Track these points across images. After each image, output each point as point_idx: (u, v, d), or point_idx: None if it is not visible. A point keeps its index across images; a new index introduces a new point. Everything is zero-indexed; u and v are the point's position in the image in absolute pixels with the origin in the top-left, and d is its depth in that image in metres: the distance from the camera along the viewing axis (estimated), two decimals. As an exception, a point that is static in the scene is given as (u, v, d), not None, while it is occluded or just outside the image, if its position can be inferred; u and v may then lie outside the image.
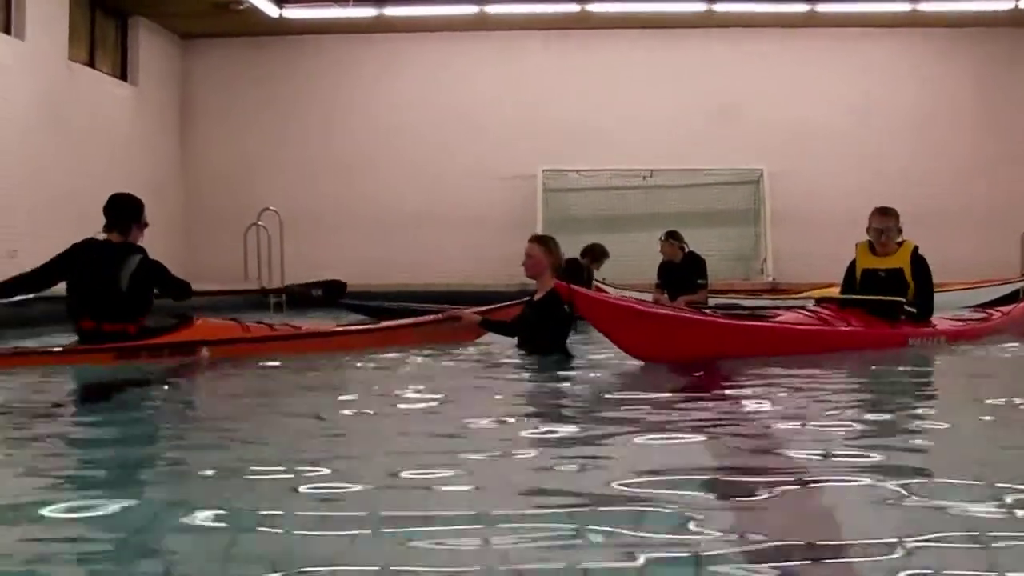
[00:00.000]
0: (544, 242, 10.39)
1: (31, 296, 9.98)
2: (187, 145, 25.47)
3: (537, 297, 10.23)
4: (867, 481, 4.49)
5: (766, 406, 7.03)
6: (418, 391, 7.88)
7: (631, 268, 20.60)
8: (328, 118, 25.20)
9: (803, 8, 23.32)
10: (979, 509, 3.91)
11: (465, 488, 4.44)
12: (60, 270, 9.57)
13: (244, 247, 22.11)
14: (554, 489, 4.40)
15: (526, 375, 9.32)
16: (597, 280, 17.54)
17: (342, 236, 24.61)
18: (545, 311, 10.04)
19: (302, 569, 3.26)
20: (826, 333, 10.78)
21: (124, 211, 9.75)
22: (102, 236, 9.66)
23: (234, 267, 21.94)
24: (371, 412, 7.00)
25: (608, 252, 17.40)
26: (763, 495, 4.26)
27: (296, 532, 3.69)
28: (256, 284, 21.44)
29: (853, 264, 11.83)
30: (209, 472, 4.80)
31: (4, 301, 10.15)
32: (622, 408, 7.08)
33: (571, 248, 14.76)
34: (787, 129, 24.23)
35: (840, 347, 10.54)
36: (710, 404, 7.32)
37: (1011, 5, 22.54)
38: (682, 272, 17.76)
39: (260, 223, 22.22)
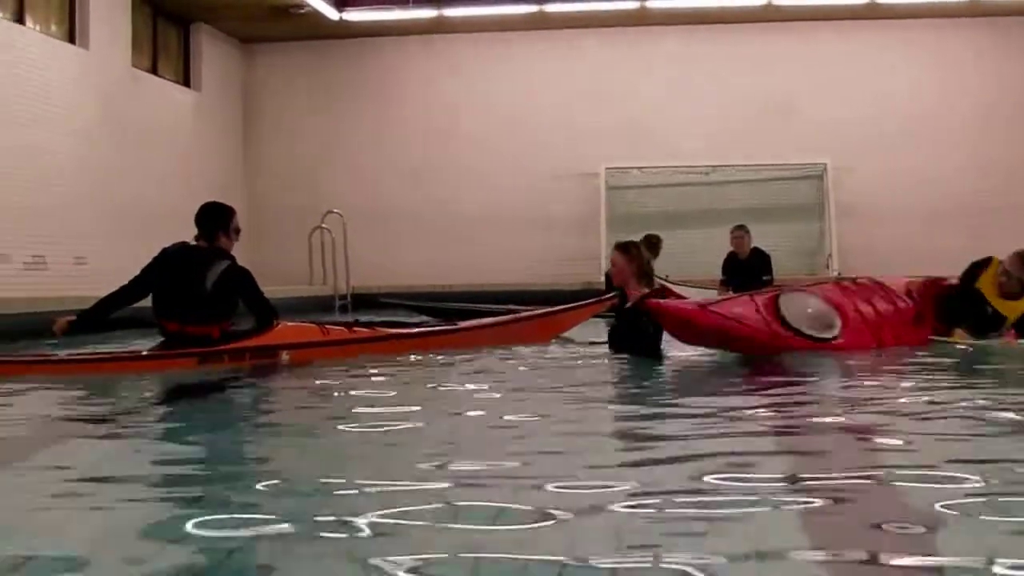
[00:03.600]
0: (625, 249, 10.31)
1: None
2: (250, 149, 25.61)
3: (628, 304, 10.18)
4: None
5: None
6: (503, 392, 7.86)
7: (694, 264, 20.53)
8: (388, 120, 25.25)
9: (862, 0, 23.16)
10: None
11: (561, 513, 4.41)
12: (154, 277, 9.69)
13: (309, 249, 22.26)
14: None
15: (613, 377, 9.29)
16: (660, 277, 17.46)
17: (405, 238, 24.67)
18: (635, 319, 9.98)
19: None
20: None
21: (210, 219, 9.85)
22: (194, 242, 9.78)
23: (299, 269, 22.12)
24: (465, 414, 6.97)
25: (661, 241, 17.20)
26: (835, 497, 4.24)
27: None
28: (322, 286, 21.58)
29: (981, 297, 11.03)
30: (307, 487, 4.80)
31: (111, 316, 10.14)
32: (709, 409, 7.01)
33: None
34: (850, 122, 24.06)
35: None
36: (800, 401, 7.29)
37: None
38: (748, 267, 17.70)
39: (324, 225, 22.35)
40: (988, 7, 23.42)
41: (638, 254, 10.24)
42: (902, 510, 3.97)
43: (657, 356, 9.83)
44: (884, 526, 3.64)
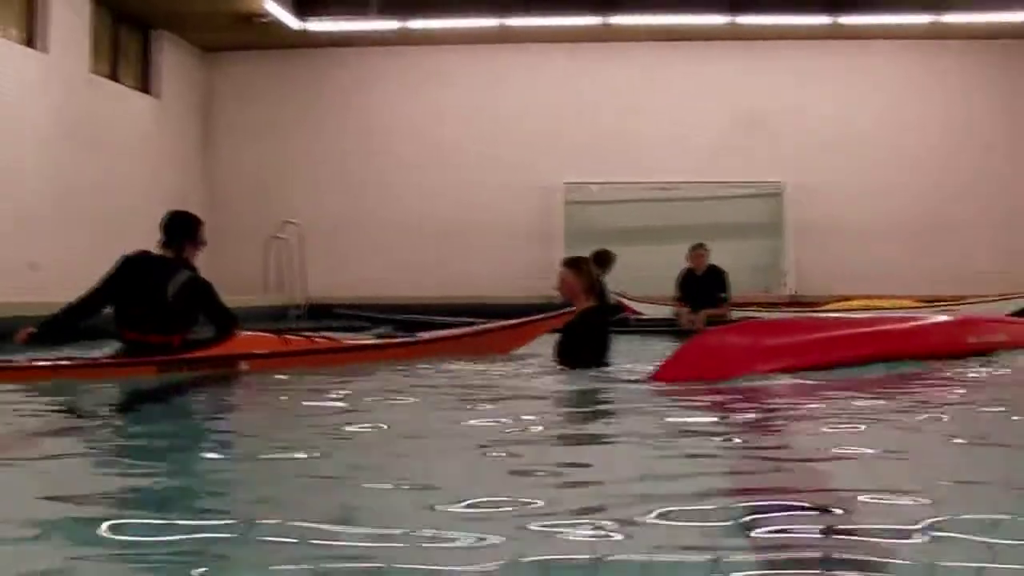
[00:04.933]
0: (573, 264, 10.39)
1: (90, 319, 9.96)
2: (209, 157, 25.50)
3: (575, 316, 10.25)
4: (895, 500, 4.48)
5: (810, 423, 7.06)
6: (459, 405, 7.90)
7: (652, 280, 20.58)
8: (350, 131, 25.20)
9: (826, 20, 23.26)
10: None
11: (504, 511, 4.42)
12: (116, 285, 9.67)
13: (266, 259, 22.24)
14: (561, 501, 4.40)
15: (557, 388, 9.32)
16: (616, 293, 17.51)
17: (363, 249, 24.60)
18: (584, 329, 10.07)
19: None
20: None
21: (178, 228, 9.88)
22: (158, 251, 9.76)
23: (255, 278, 22.09)
24: (406, 423, 6.99)
25: (613, 256, 17.23)
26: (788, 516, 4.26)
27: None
28: (277, 295, 21.54)
29: None
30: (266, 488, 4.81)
31: (76, 326, 10.04)
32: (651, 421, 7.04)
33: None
34: (809, 142, 24.20)
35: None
36: (736, 419, 7.34)
37: (1035, 16, 22.52)
38: (704, 284, 17.78)
39: (282, 235, 22.33)
40: (948, 30, 23.56)
41: (587, 269, 10.31)
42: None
43: (600, 369, 9.86)
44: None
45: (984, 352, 11.09)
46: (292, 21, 22.99)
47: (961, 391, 8.79)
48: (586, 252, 12.06)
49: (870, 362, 10.04)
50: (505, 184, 24.64)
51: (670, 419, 7.11)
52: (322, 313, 20.66)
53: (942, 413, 7.51)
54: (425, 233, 24.63)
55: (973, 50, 24.40)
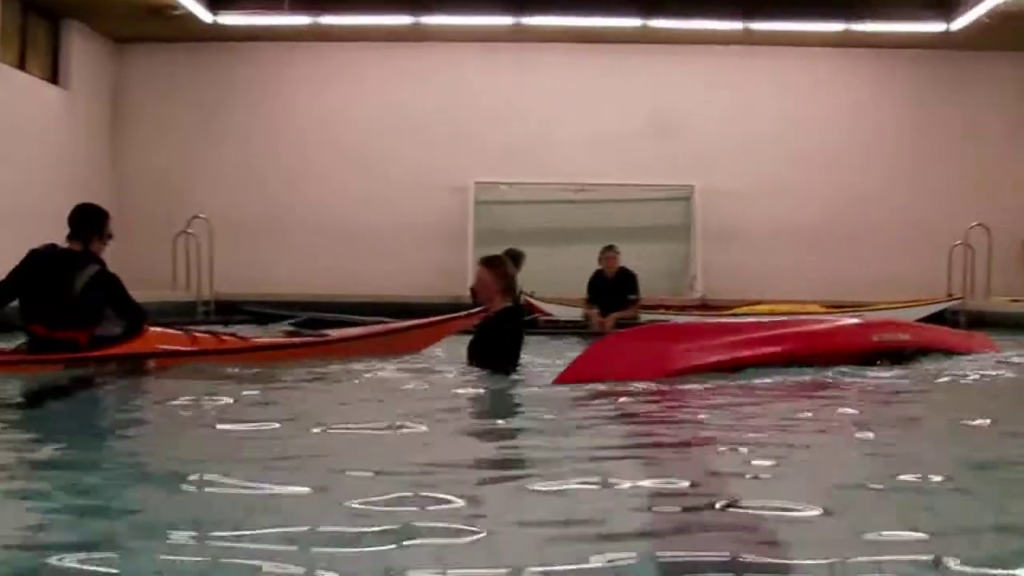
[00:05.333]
0: (491, 264, 10.36)
1: None
2: (118, 150, 25.20)
3: (489, 317, 10.23)
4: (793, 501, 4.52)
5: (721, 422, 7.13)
6: (365, 405, 7.88)
7: (562, 282, 20.61)
8: (262, 126, 25.05)
9: (738, 26, 23.43)
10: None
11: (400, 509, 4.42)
12: (23, 279, 9.55)
13: (173, 254, 22.03)
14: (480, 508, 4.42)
15: (470, 390, 9.31)
16: (525, 293, 17.53)
17: (272, 245, 24.45)
18: (498, 331, 10.06)
19: None
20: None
21: (86, 221, 9.78)
22: (64, 244, 9.65)
23: (163, 273, 21.85)
24: (312, 426, 6.96)
25: (523, 256, 17.26)
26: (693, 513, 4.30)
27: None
28: (184, 291, 21.36)
29: None
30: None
31: None
32: (564, 426, 7.07)
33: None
34: (720, 146, 24.37)
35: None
36: (640, 422, 7.39)
37: (943, 28, 22.83)
38: (614, 286, 17.83)
39: (190, 230, 22.14)
40: (859, 39, 23.79)
41: (504, 270, 10.29)
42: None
43: (513, 372, 9.87)
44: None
45: (890, 351, 11.20)
46: (204, 14, 22.79)
47: (862, 395, 8.87)
48: (494, 252, 12.02)
49: (775, 363, 10.15)
50: (415, 183, 24.59)
51: (566, 419, 7.21)
52: (229, 309, 20.52)
53: (840, 417, 7.60)
54: (334, 231, 24.52)
55: (882, 59, 24.70)
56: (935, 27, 23.00)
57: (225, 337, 11.04)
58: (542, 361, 10.49)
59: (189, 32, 23.78)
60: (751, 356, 10.24)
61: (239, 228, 23.78)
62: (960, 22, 22.46)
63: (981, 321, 19.13)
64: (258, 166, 24.89)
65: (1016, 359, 11.49)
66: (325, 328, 13.26)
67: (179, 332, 10.62)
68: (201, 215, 22.32)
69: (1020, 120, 24.88)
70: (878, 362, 10.81)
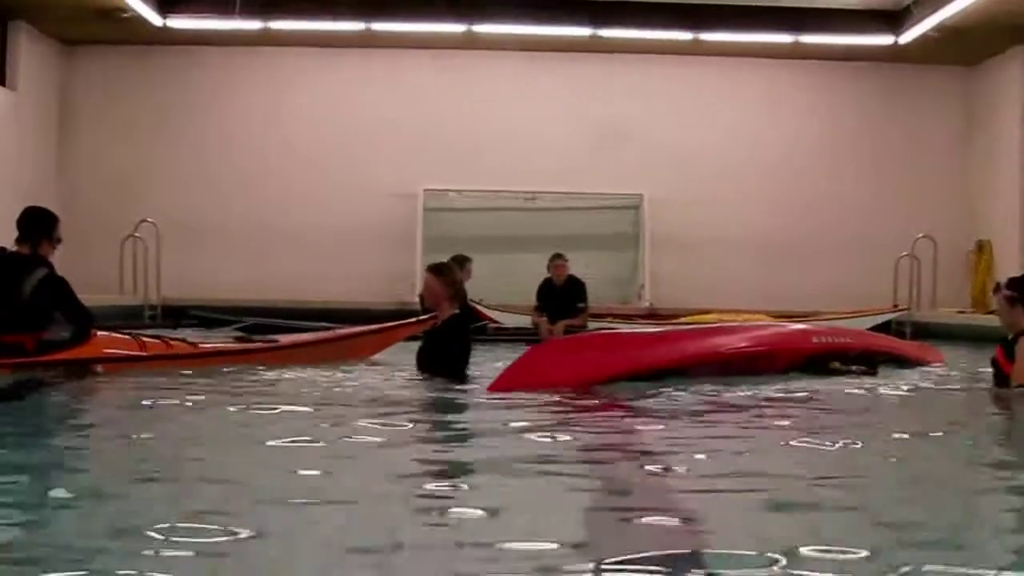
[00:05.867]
0: (439, 271, 10.40)
1: None
2: (66, 152, 25.00)
3: (438, 324, 10.27)
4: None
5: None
6: (317, 413, 7.87)
7: (511, 289, 20.65)
8: (211, 131, 24.92)
9: (688, 36, 23.51)
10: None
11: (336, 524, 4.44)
12: None
13: (120, 258, 21.93)
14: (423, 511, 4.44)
15: (414, 396, 9.33)
16: (473, 300, 17.53)
17: (220, 250, 24.29)
18: (446, 338, 10.09)
19: None
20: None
21: (35, 225, 9.77)
22: (13, 248, 9.61)
23: (109, 277, 21.74)
24: (251, 431, 6.96)
25: (470, 262, 17.24)
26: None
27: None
28: (131, 295, 21.24)
29: None
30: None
31: None
32: (510, 435, 7.09)
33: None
34: (669, 155, 24.43)
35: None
36: (590, 428, 7.44)
37: (891, 41, 23.01)
38: (563, 294, 17.87)
39: (137, 234, 22.04)
40: (808, 50, 23.95)
41: (452, 276, 10.32)
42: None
43: (462, 379, 9.89)
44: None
45: (830, 352, 11.28)
46: (154, 17, 22.66)
47: (798, 404, 8.93)
48: (443, 259, 12.05)
49: (714, 369, 10.24)
50: (365, 188, 24.52)
51: (501, 426, 7.27)
52: (176, 314, 20.45)
53: (773, 424, 7.68)
54: (283, 236, 24.41)
55: (831, 70, 24.88)
56: (884, 40, 23.18)
57: (173, 342, 11.02)
58: (493, 367, 10.51)
59: (139, 35, 23.64)
60: (686, 362, 10.33)
61: (187, 232, 23.65)
62: (908, 36, 22.63)
63: (927, 332, 19.32)
64: (206, 171, 24.76)
65: (957, 372, 11.56)
66: (274, 334, 13.25)
67: (127, 337, 10.60)
68: (149, 219, 22.24)
69: (966, 133, 25.10)
70: (832, 370, 10.88)
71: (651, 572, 3.63)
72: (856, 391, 9.66)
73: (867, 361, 11.48)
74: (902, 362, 12.24)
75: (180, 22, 23.14)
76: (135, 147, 24.76)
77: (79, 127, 25.02)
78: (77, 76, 25.12)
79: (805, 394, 9.33)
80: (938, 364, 12.72)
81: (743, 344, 11.00)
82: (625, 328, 16.62)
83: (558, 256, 18.29)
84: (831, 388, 9.90)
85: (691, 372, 10.19)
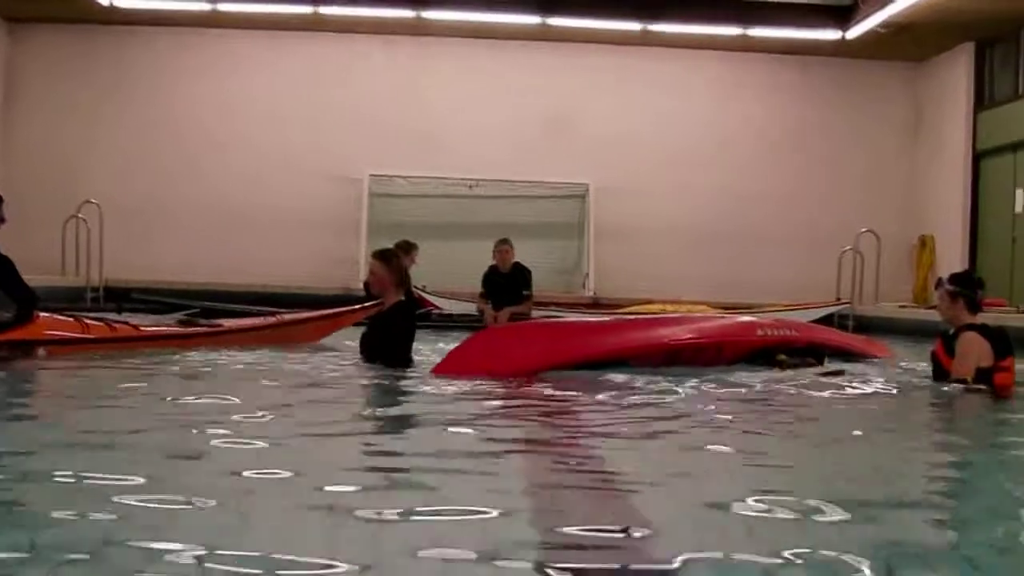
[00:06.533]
0: (385, 258, 10.37)
1: None
2: (8, 132, 24.75)
3: (383, 310, 10.25)
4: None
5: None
6: (255, 397, 7.83)
7: (456, 276, 20.64)
8: (156, 112, 24.73)
9: (636, 27, 23.57)
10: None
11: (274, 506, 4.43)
12: None
13: (63, 239, 21.75)
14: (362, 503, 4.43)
15: (359, 385, 9.32)
16: (417, 287, 17.50)
17: (164, 233, 24.14)
18: (391, 324, 10.08)
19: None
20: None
21: None
22: None
23: (51, 258, 21.56)
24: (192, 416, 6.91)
25: (415, 248, 17.20)
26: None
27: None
28: (73, 277, 21.08)
29: None
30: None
31: None
32: (451, 420, 7.08)
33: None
34: (615, 145, 24.48)
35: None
36: (535, 415, 7.47)
37: (838, 36, 23.14)
38: (509, 281, 17.86)
39: (80, 215, 21.86)
40: (755, 43, 24.06)
41: (397, 263, 10.31)
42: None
43: (406, 365, 9.88)
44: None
45: (776, 345, 11.31)
46: (100, -5, 22.51)
47: (734, 394, 8.96)
48: (388, 245, 12.02)
49: (656, 360, 10.26)
50: (310, 173, 24.45)
51: (441, 413, 7.27)
52: (119, 297, 20.31)
53: (713, 414, 7.72)
54: (227, 220, 24.31)
55: (778, 64, 24.99)
56: (831, 35, 23.31)
57: (117, 325, 10.96)
58: (438, 353, 10.51)
59: (84, 14, 23.46)
60: (632, 352, 10.35)
61: (130, 214, 23.49)
62: (855, 31, 22.77)
63: (868, 326, 19.41)
64: (151, 152, 24.58)
65: (898, 368, 11.60)
66: (219, 318, 13.20)
67: (71, 319, 10.53)
68: (92, 200, 22.05)
69: (911, 129, 25.30)
70: (781, 364, 10.90)
71: (593, 557, 3.64)
72: (793, 385, 9.68)
73: (813, 354, 11.51)
74: (848, 356, 12.27)
75: (127, 1, 22.92)
76: (79, 127, 24.56)
77: (23, 106, 24.79)
78: (22, 55, 24.88)
79: (744, 388, 9.34)
80: (885, 358, 12.77)
81: (689, 336, 11.01)
82: (570, 317, 16.64)
83: (503, 241, 18.24)
84: (769, 380, 9.93)
85: (635, 362, 10.20)
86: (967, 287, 9.19)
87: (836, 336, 13.90)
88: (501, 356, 9.68)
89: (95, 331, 10.41)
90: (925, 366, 9.88)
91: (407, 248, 16.28)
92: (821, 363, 11.29)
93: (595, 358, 10.01)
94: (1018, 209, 21.59)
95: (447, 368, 9.27)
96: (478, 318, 17.80)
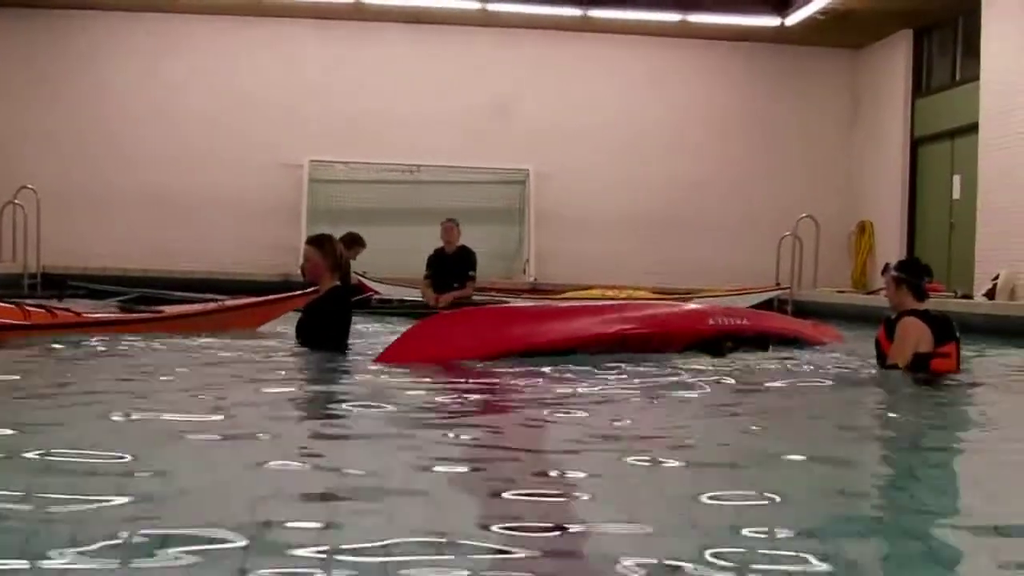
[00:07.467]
0: (319, 243, 10.33)
1: None
2: (-59, 116, 24.55)
3: (319, 296, 10.23)
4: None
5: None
6: (195, 381, 7.79)
7: (394, 262, 20.59)
8: (91, 97, 24.52)
9: (576, 12, 23.60)
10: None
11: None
12: None
13: (-1, 226, 21.59)
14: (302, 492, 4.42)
15: (298, 371, 9.29)
16: (357, 273, 17.45)
17: (101, 219, 23.95)
18: (326, 310, 10.06)
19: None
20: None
21: None
22: None
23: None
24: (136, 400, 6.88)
25: (363, 241, 17.18)
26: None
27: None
28: (10, 263, 20.91)
29: None
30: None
31: None
32: (389, 407, 7.07)
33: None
34: (555, 131, 24.51)
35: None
36: (473, 399, 7.48)
37: (778, 22, 23.26)
38: (454, 262, 17.84)
39: (17, 201, 21.67)
40: (695, 29, 24.15)
41: (331, 248, 10.27)
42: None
43: (342, 351, 9.86)
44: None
45: (727, 334, 11.33)
46: (38, -21, 22.31)
47: (684, 381, 8.96)
48: (328, 231, 11.99)
49: (605, 347, 10.25)
50: (249, 159, 24.35)
51: (382, 401, 7.19)
52: (57, 283, 20.16)
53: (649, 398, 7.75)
54: (165, 206, 24.15)
55: (717, 50, 25.10)
56: (770, 21, 23.46)
57: (58, 312, 10.91)
58: (378, 339, 10.50)
59: (20, -3, 23.26)
60: (580, 340, 10.33)
61: (68, 200, 23.31)
62: (794, 18, 22.93)
63: (807, 311, 19.50)
64: (89, 137, 24.38)
65: (840, 354, 11.64)
66: (158, 304, 13.14)
67: (11, 305, 10.46)
68: (29, 185, 21.86)
69: (849, 116, 25.48)
70: (726, 350, 10.93)
71: (536, 543, 3.64)
72: (734, 371, 9.70)
73: (759, 343, 11.54)
74: (798, 343, 12.28)
75: (63, -15, 22.74)
76: (14, 112, 24.32)
77: (-45, 90, 24.51)
78: (-45, 37, 24.60)
79: (688, 376, 9.34)
80: (836, 343, 12.81)
81: (637, 325, 11.00)
82: (512, 302, 16.63)
83: (450, 220, 18.18)
84: (715, 367, 9.95)
85: (582, 349, 10.19)
86: (912, 274, 9.23)
87: (787, 323, 13.92)
88: (448, 343, 9.63)
89: (36, 318, 10.36)
90: (867, 351, 9.92)
91: (351, 242, 16.22)
92: (766, 351, 11.33)
93: (544, 346, 9.98)
94: (955, 195, 21.75)
95: (392, 356, 9.19)
96: (419, 304, 17.77)
